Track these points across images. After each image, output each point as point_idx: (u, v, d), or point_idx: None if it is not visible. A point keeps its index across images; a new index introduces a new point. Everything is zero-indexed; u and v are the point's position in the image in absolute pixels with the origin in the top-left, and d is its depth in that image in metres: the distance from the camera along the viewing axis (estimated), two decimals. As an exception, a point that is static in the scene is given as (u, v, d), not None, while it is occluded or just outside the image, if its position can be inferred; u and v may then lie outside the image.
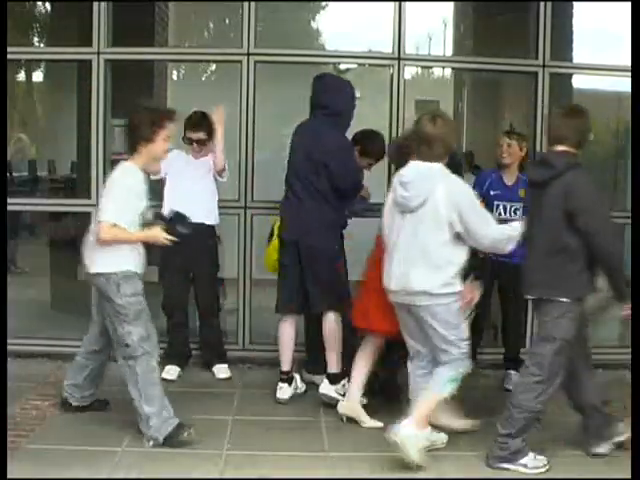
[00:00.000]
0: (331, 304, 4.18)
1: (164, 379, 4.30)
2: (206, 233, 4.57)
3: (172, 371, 4.58)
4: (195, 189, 4.53)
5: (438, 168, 3.44)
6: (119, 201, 3.49)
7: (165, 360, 4.50)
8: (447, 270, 3.41)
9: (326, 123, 4.14)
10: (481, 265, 4.74)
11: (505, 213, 4.61)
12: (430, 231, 3.39)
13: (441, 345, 3.49)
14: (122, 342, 3.57)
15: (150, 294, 4.39)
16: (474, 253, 3.58)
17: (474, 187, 4.81)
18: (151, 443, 3.54)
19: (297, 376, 4.39)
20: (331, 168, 4.07)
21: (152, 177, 4.50)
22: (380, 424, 3.83)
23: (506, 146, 4.62)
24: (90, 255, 3.64)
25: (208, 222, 4.56)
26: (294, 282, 4.22)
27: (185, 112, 4.57)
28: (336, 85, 4.29)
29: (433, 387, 3.49)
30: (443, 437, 3.65)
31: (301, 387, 4.39)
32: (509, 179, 4.65)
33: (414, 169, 3.48)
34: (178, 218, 3.73)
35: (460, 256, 3.42)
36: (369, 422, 3.92)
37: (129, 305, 3.54)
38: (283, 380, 4.29)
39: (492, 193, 4.64)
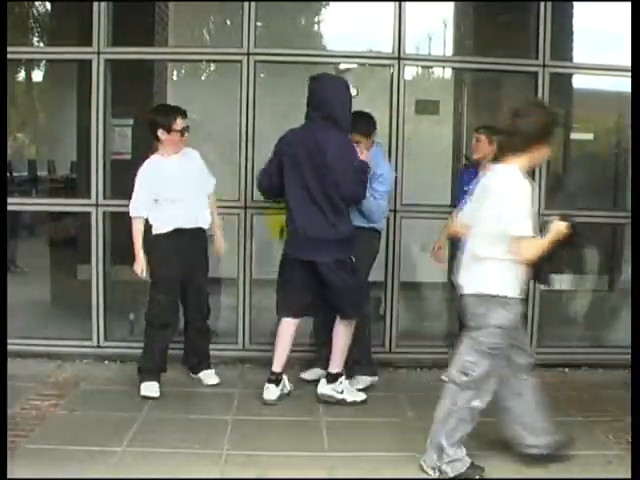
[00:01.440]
0: (354, 312, 4.21)
1: (146, 397, 4.24)
2: (202, 237, 4.49)
3: (154, 387, 4.32)
4: (193, 193, 4.40)
5: None
6: (523, 211, 3.13)
7: (144, 375, 4.36)
8: None
9: (324, 126, 4.08)
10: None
11: None
12: None
13: None
14: (462, 368, 3.27)
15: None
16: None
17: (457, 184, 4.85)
18: (437, 474, 3.29)
19: (285, 377, 4.35)
20: (332, 169, 4.00)
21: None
22: None
23: (475, 142, 4.68)
24: (468, 273, 3.31)
25: (204, 225, 4.46)
26: (302, 287, 4.20)
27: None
28: (333, 86, 4.19)
29: None
30: None
31: (289, 387, 4.36)
32: (482, 173, 4.66)
33: None
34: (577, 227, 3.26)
35: None
36: None
37: (491, 336, 3.21)
38: (271, 381, 4.26)
39: (465, 188, 4.65)
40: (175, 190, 4.31)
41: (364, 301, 4.37)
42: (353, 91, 4.39)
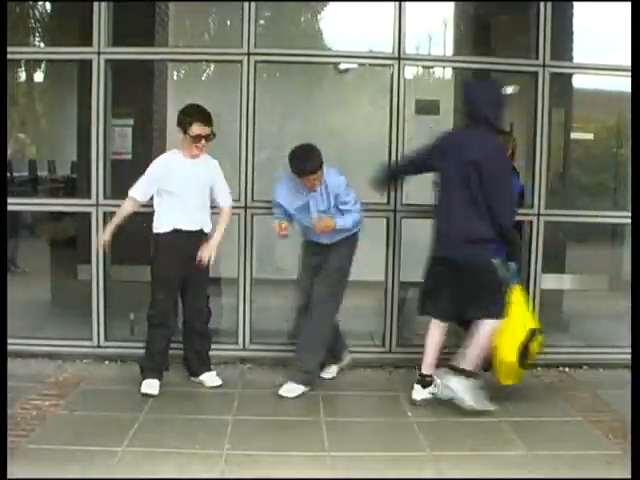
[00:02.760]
0: (492, 313, 4.12)
1: (146, 394, 4.26)
2: (203, 237, 4.42)
3: (154, 385, 4.34)
4: (197, 198, 4.38)
5: None
6: None
7: (145, 373, 4.38)
8: None
9: (489, 136, 4.10)
10: None
11: None
12: None
13: None
14: None
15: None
16: None
17: None
18: None
19: (438, 380, 4.23)
20: (494, 182, 4.00)
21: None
22: None
23: None
24: None
25: (205, 229, 4.44)
26: (451, 289, 4.19)
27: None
28: (480, 89, 4.25)
29: None
30: None
31: (438, 390, 4.23)
32: None
33: None
34: None
35: None
36: None
37: None
38: (419, 382, 4.26)
39: None
40: (176, 185, 4.28)
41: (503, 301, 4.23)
42: (509, 89, 4.40)
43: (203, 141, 4.28)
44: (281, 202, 4.48)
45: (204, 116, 4.27)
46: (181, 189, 4.30)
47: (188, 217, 4.34)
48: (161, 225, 4.34)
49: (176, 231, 4.32)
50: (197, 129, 4.23)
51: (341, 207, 4.37)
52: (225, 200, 4.54)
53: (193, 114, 4.26)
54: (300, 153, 4.31)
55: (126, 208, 4.38)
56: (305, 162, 4.28)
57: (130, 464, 3.37)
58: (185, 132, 4.26)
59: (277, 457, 3.51)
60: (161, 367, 4.42)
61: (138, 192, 4.35)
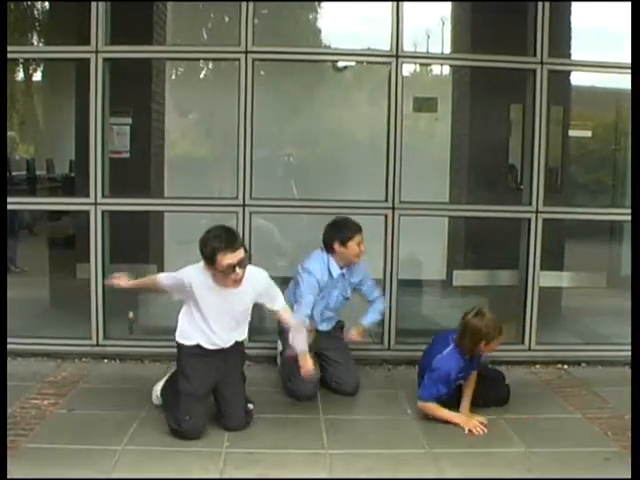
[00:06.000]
0: None
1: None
2: (235, 351, 3.87)
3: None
4: (228, 324, 3.78)
5: None
6: None
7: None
8: None
9: None
10: None
11: None
12: None
13: None
14: None
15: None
16: None
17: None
18: None
19: None
20: None
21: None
22: None
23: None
24: None
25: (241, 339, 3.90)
26: None
27: (184, 111, 4.54)
28: None
29: None
30: None
31: None
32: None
33: None
34: None
35: None
36: None
37: None
38: None
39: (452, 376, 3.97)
40: (205, 311, 3.70)
41: None
42: None
43: (237, 269, 3.55)
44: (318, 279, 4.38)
45: (228, 242, 3.53)
46: (211, 315, 3.71)
47: (213, 339, 3.75)
48: (184, 336, 3.78)
49: (200, 347, 3.75)
50: (228, 258, 3.50)
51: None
52: (279, 304, 3.91)
53: (221, 246, 3.50)
54: (342, 218, 4.46)
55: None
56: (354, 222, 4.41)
57: (129, 463, 3.37)
58: (215, 267, 3.54)
59: (276, 455, 3.51)
60: None
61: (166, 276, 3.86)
